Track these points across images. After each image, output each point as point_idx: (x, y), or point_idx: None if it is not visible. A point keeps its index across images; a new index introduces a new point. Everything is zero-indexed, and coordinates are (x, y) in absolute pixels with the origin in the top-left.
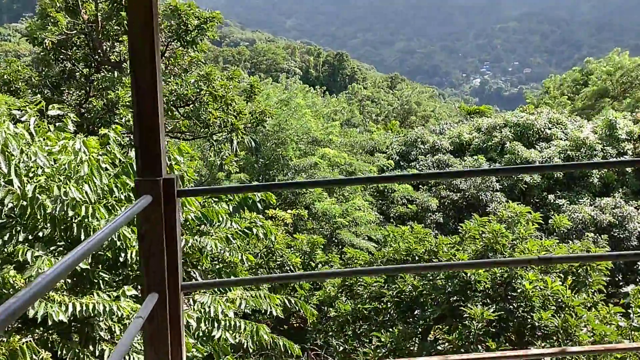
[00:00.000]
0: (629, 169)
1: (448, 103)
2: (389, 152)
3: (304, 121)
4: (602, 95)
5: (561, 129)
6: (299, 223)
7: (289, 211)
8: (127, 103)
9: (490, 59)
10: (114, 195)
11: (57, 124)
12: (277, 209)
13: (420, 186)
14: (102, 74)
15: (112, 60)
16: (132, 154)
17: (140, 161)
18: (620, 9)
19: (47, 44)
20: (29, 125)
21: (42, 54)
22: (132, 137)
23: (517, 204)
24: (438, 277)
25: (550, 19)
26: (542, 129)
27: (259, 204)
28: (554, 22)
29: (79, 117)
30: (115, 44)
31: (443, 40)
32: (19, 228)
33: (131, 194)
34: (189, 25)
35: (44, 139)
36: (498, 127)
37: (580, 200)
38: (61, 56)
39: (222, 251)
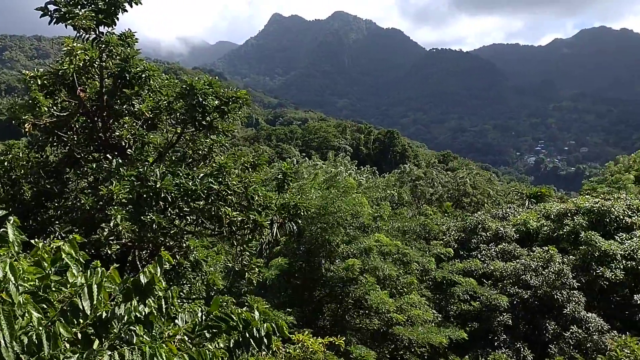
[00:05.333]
0: None
1: (503, 182)
2: (446, 238)
3: (355, 202)
4: None
5: None
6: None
7: (320, 340)
8: (123, 200)
9: (545, 138)
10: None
11: None
12: (313, 315)
13: (484, 280)
14: (104, 161)
15: (118, 145)
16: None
17: None
18: None
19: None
20: None
21: (40, 136)
22: (106, 249)
23: (637, 341)
24: None
25: (605, 99)
26: (621, 217)
27: (265, 339)
28: (610, 102)
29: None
30: (119, 125)
31: (495, 119)
32: None
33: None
34: (207, 107)
35: None
36: (569, 214)
37: None
38: (55, 141)
39: None
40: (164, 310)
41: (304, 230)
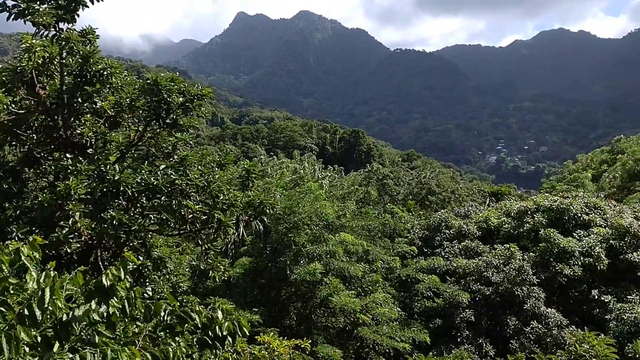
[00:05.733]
0: None
1: (465, 181)
2: (410, 236)
3: (319, 204)
4: (634, 177)
5: (599, 214)
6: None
7: (286, 342)
8: (82, 196)
9: (506, 137)
10: None
11: None
12: (278, 315)
13: (447, 277)
14: (63, 159)
15: (78, 144)
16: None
17: None
18: (634, 90)
19: None
20: None
21: None
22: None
23: (595, 335)
24: None
25: (563, 99)
26: (579, 214)
27: (229, 338)
28: (568, 102)
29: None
30: (80, 123)
31: (457, 119)
32: None
33: None
34: (171, 104)
35: None
36: (529, 212)
37: (628, 296)
38: (14, 139)
39: None
40: (127, 310)
41: (270, 230)
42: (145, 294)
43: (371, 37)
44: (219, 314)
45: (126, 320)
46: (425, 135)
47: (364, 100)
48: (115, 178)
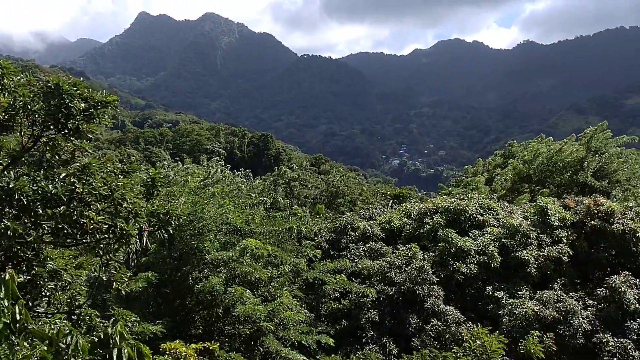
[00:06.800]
0: (565, 258)
1: (370, 183)
2: (317, 239)
3: (224, 210)
4: (523, 179)
5: (493, 215)
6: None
7: (193, 345)
8: None
9: (407, 142)
10: None
11: None
12: (184, 321)
13: (353, 279)
14: None
15: None
16: None
17: None
18: (523, 98)
19: None
20: None
21: None
22: None
23: (488, 333)
24: None
25: (459, 106)
26: (474, 215)
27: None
28: (464, 108)
29: None
30: None
31: (362, 124)
32: None
33: None
34: (73, 109)
35: None
36: (429, 213)
37: (519, 292)
38: None
39: None
40: (13, 329)
41: (175, 237)
42: (39, 307)
43: (278, 42)
44: (117, 338)
45: (13, 339)
46: (333, 140)
47: (273, 104)
48: (10, 186)
